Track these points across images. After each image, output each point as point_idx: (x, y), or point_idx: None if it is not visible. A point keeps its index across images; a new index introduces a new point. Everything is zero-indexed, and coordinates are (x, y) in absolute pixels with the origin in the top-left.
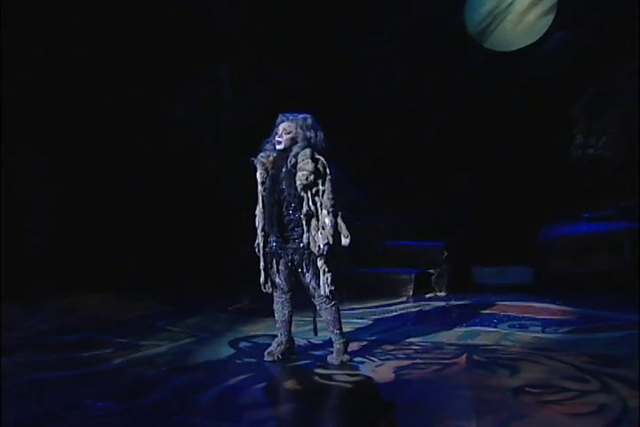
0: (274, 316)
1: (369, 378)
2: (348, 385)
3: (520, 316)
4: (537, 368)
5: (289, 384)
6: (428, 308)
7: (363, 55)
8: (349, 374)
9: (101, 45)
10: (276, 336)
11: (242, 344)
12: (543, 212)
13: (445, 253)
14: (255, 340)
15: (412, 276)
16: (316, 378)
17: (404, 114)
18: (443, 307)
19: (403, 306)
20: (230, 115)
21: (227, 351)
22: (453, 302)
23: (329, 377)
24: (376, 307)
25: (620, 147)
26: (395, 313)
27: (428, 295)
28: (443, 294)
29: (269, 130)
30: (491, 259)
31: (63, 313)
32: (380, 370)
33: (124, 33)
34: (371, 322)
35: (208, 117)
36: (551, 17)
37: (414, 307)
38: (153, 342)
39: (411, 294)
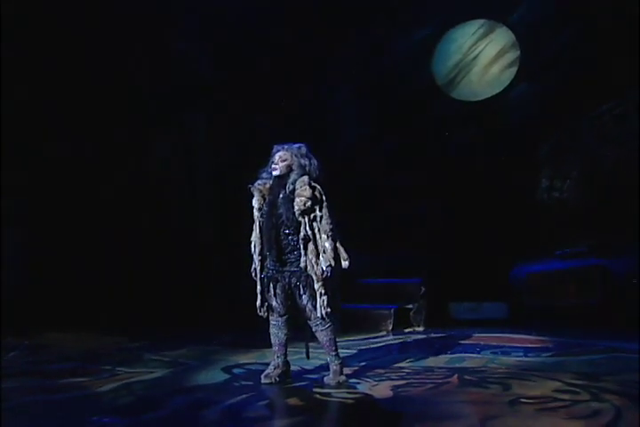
0: (260, 347)
1: (368, 395)
2: (350, 401)
3: (500, 344)
4: (527, 384)
5: (291, 401)
6: (409, 340)
7: (335, 102)
8: (349, 393)
9: (76, 90)
10: (267, 364)
11: (235, 370)
12: (515, 250)
13: (423, 290)
14: (248, 367)
15: (392, 311)
16: (317, 396)
17: (377, 157)
18: (424, 339)
19: (384, 339)
20: (204, 159)
21: (221, 376)
22: (433, 335)
23: (329, 395)
24: (359, 340)
25: (584, 190)
26: (378, 344)
27: (406, 330)
28: (421, 328)
29: (245, 173)
30: (466, 295)
31: (42, 349)
32: (378, 389)
33: (97, 79)
34: (356, 351)
35: (182, 161)
36: (514, 69)
37: (396, 339)
38: (144, 369)
39: (390, 328)
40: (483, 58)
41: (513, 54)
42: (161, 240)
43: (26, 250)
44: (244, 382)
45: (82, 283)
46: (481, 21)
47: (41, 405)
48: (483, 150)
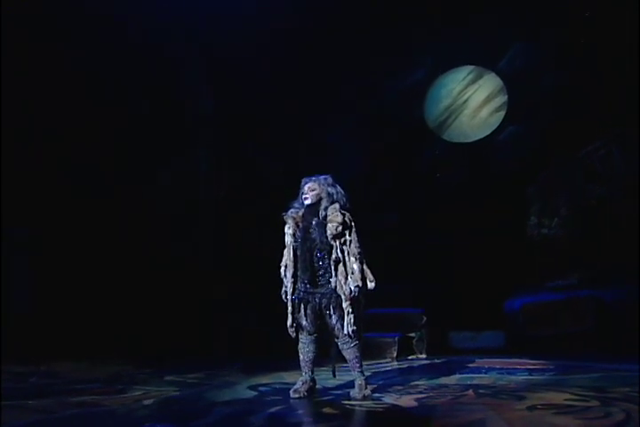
0: (277, 370)
1: (395, 405)
2: (380, 409)
3: (504, 367)
4: (540, 395)
5: (326, 410)
6: (415, 365)
7: (332, 141)
8: (376, 404)
9: (81, 126)
10: (288, 384)
11: (261, 388)
12: (510, 283)
13: (424, 319)
14: (272, 386)
15: (396, 339)
16: (348, 406)
17: (374, 195)
18: (429, 364)
19: (391, 364)
20: (206, 192)
21: (250, 393)
22: (437, 361)
23: (359, 405)
24: (367, 365)
25: (572, 225)
26: (388, 368)
27: (410, 357)
28: (423, 355)
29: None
30: (465, 324)
31: (60, 374)
32: (403, 400)
33: (102, 116)
34: (370, 374)
35: (185, 195)
36: (502, 113)
37: (402, 364)
38: (172, 387)
39: (395, 355)
40: (472, 102)
41: (501, 99)
42: (166, 276)
43: (33, 279)
44: (273, 397)
45: (82, 315)
46: (470, 68)
47: (86, 417)
48: (474, 189)
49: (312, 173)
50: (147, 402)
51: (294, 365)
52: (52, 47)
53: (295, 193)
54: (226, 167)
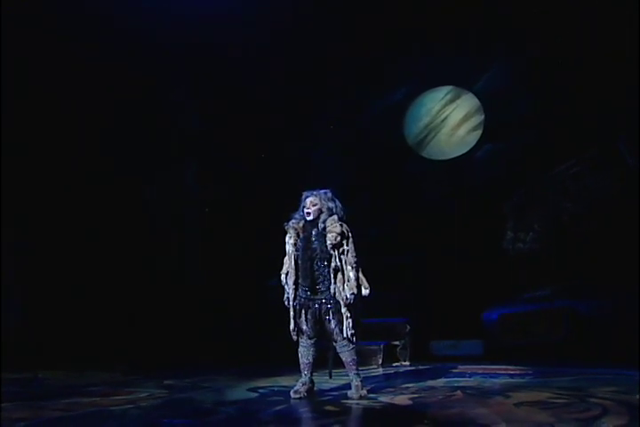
0: (272, 375)
1: (392, 404)
2: (378, 407)
3: (486, 372)
4: (524, 395)
5: (328, 408)
6: (401, 371)
7: (315, 157)
8: (374, 402)
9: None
10: (286, 387)
11: (260, 390)
12: (488, 294)
13: (408, 328)
14: (270, 388)
15: (381, 347)
16: (347, 405)
17: (354, 212)
18: (414, 370)
19: (377, 370)
20: (191, 205)
21: (251, 394)
22: (421, 367)
23: (357, 404)
24: None
25: (546, 240)
26: (375, 374)
27: (394, 364)
28: (407, 363)
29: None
30: (446, 333)
31: (58, 380)
32: (397, 399)
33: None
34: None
35: (170, 207)
36: (479, 131)
37: (389, 371)
38: (173, 390)
39: (380, 362)
40: (450, 121)
41: (478, 118)
42: (161, 287)
43: (27, 294)
44: (275, 398)
45: (76, 325)
46: (449, 88)
47: (103, 414)
48: (453, 204)
49: (296, 188)
50: (154, 402)
51: (287, 370)
52: (36, 61)
53: (280, 206)
54: (213, 182)
